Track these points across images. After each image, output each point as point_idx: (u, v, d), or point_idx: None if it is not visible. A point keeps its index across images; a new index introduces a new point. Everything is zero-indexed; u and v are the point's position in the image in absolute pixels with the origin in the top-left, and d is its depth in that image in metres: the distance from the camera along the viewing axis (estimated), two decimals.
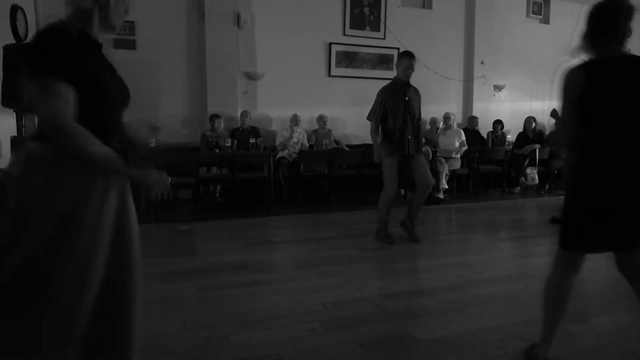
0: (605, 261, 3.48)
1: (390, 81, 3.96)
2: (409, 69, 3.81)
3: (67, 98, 1.25)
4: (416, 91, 3.99)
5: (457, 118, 7.36)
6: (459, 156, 6.45)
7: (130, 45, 5.88)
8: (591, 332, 2.26)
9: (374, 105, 3.92)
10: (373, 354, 2.03)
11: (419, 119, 4.01)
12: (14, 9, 4.50)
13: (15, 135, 4.35)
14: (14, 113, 4.34)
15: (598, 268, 3.34)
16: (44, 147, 1.30)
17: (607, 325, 2.34)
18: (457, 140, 6.44)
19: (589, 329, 2.30)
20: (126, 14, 1.48)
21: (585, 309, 2.57)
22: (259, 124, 6.32)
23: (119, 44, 5.84)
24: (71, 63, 1.29)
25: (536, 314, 2.50)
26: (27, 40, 4.68)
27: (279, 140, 6.18)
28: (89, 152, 1.29)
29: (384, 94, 3.87)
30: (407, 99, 3.85)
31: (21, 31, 4.63)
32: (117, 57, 6.70)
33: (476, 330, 2.26)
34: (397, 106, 3.82)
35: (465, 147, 6.49)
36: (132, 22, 5.85)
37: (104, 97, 1.39)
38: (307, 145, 6.21)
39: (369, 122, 3.96)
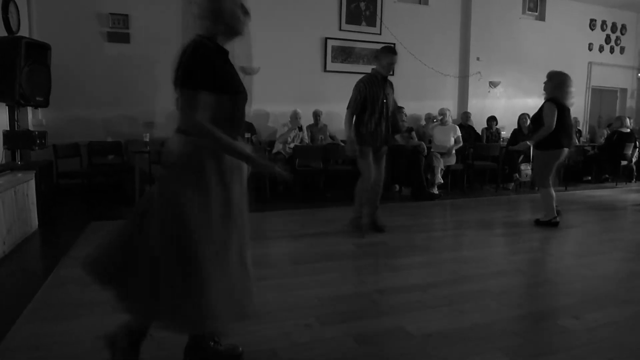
0: (597, 257, 3.53)
1: (368, 74, 3.97)
2: (392, 64, 3.84)
3: (205, 106, 1.55)
4: (391, 85, 4.05)
5: (453, 114, 7.38)
6: (454, 152, 6.47)
7: (125, 38, 5.81)
8: (583, 327, 2.29)
9: (353, 95, 3.93)
10: (368, 349, 2.05)
11: (394, 110, 4.08)
12: (6, 2, 4.44)
13: (8, 129, 4.29)
14: (7, 107, 4.29)
15: (590, 264, 3.37)
16: (186, 138, 1.59)
17: (599, 320, 2.37)
18: (453, 136, 6.46)
19: (581, 324, 2.32)
20: (247, 15, 1.68)
21: (577, 304, 2.60)
22: (254, 120, 6.30)
23: (113, 38, 5.77)
24: (212, 75, 1.57)
25: (529, 309, 2.53)
26: (19, 34, 4.63)
27: (279, 133, 6.15)
28: (224, 143, 1.58)
29: (364, 86, 3.88)
30: (385, 93, 3.88)
31: (13, 24, 4.57)
32: (110, 51, 6.65)
33: (470, 325, 2.28)
34: (376, 99, 3.85)
35: (461, 144, 6.50)
36: (127, 15, 5.79)
37: (236, 98, 1.67)
38: (307, 140, 6.19)
39: None
